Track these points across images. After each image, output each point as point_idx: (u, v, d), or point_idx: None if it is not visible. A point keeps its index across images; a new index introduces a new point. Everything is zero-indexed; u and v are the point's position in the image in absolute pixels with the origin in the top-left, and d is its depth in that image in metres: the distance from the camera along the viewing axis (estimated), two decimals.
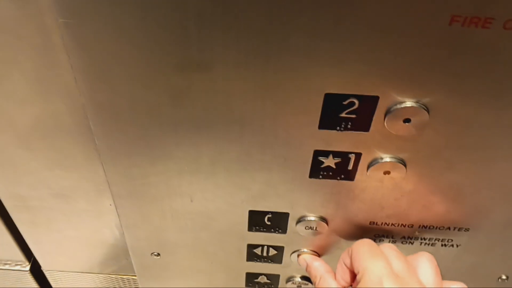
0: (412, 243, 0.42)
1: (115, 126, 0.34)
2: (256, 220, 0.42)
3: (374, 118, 0.31)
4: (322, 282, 0.39)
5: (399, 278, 0.32)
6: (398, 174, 0.35)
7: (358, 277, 0.33)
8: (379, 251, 0.34)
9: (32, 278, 0.55)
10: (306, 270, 0.43)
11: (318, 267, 0.41)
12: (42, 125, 0.36)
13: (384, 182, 0.36)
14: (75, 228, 0.47)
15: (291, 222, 0.41)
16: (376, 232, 0.41)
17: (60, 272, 0.55)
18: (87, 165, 0.39)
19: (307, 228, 0.41)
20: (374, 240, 0.42)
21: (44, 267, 0.55)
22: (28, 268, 0.54)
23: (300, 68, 0.29)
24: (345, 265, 0.37)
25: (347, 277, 0.37)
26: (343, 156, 0.34)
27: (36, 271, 0.55)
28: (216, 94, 0.31)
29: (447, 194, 0.36)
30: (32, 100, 0.34)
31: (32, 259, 0.54)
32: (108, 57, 0.29)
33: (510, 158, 0.33)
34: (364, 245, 0.35)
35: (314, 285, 0.40)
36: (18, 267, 0.54)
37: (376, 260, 0.33)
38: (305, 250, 0.44)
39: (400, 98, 0.29)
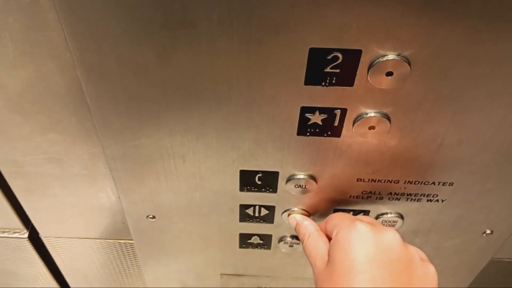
0: (398, 199, 0.43)
1: (105, 87, 0.34)
2: (247, 180, 0.42)
3: (357, 72, 0.32)
4: (311, 240, 0.40)
5: (369, 223, 0.36)
6: (382, 128, 0.35)
7: (334, 232, 0.37)
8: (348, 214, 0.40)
9: (31, 245, 0.56)
10: (295, 228, 0.44)
11: (308, 225, 0.42)
12: (34, 89, 0.36)
13: (369, 138, 0.37)
14: (71, 193, 0.48)
15: (281, 181, 0.42)
16: (363, 189, 0.42)
17: (58, 239, 0.56)
18: (80, 128, 0.40)
19: (296, 186, 0.42)
20: (362, 198, 0.43)
21: (42, 234, 0.56)
22: (26, 235, 0.55)
23: (283, 23, 0.29)
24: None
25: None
26: (329, 112, 0.35)
27: (34, 238, 0.56)
28: (202, 51, 0.31)
29: (429, 147, 0.37)
30: (22, 63, 0.34)
31: (30, 226, 0.55)
32: (95, 15, 0.29)
33: (487, 109, 0.34)
34: (335, 214, 0.40)
35: (302, 243, 0.41)
36: (16, 235, 0.55)
37: (346, 216, 0.38)
38: (296, 209, 0.45)
39: (382, 52, 0.30)
